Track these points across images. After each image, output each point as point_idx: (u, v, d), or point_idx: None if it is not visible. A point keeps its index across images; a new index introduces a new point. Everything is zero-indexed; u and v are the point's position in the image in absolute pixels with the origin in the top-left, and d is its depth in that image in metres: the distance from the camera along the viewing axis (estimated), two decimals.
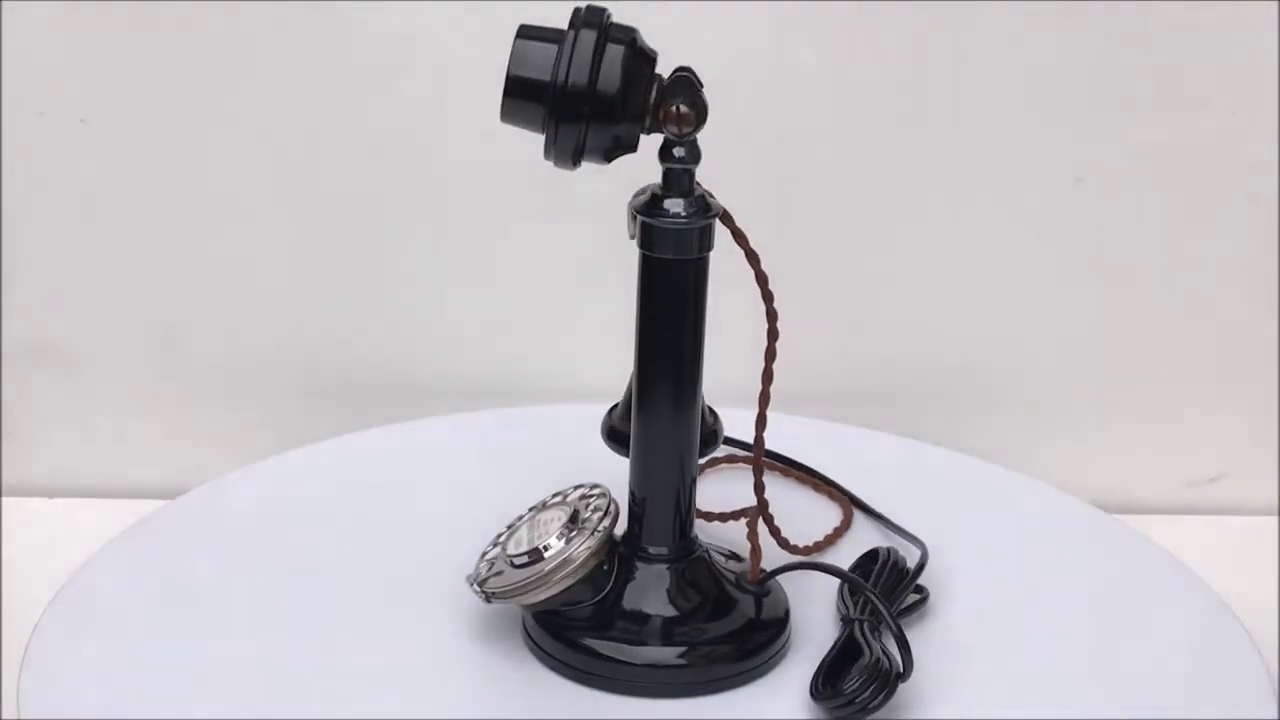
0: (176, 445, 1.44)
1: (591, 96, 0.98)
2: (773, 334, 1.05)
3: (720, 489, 1.16)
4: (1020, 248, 1.42)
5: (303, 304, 1.42)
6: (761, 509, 1.10)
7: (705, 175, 1.02)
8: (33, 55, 1.35)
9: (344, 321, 1.43)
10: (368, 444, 1.30)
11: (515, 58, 0.99)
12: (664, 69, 1.01)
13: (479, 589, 1.06)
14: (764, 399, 1.06)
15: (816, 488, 1.26)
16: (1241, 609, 1.15)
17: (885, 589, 1.10)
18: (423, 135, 1.38)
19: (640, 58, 0.99)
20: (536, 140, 1.00)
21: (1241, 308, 1.42)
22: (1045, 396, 1.45)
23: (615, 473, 1.09)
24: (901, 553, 1.15)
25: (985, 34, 1.36)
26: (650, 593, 1.07)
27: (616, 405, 1.10)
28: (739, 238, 1.02)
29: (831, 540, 1.20)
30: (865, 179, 1.40)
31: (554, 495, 1.11)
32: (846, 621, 1.08)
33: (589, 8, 1.00)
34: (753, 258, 1.03)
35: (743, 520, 1.12)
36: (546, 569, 1.05)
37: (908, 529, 1.19)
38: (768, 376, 1.05)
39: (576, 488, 1.10)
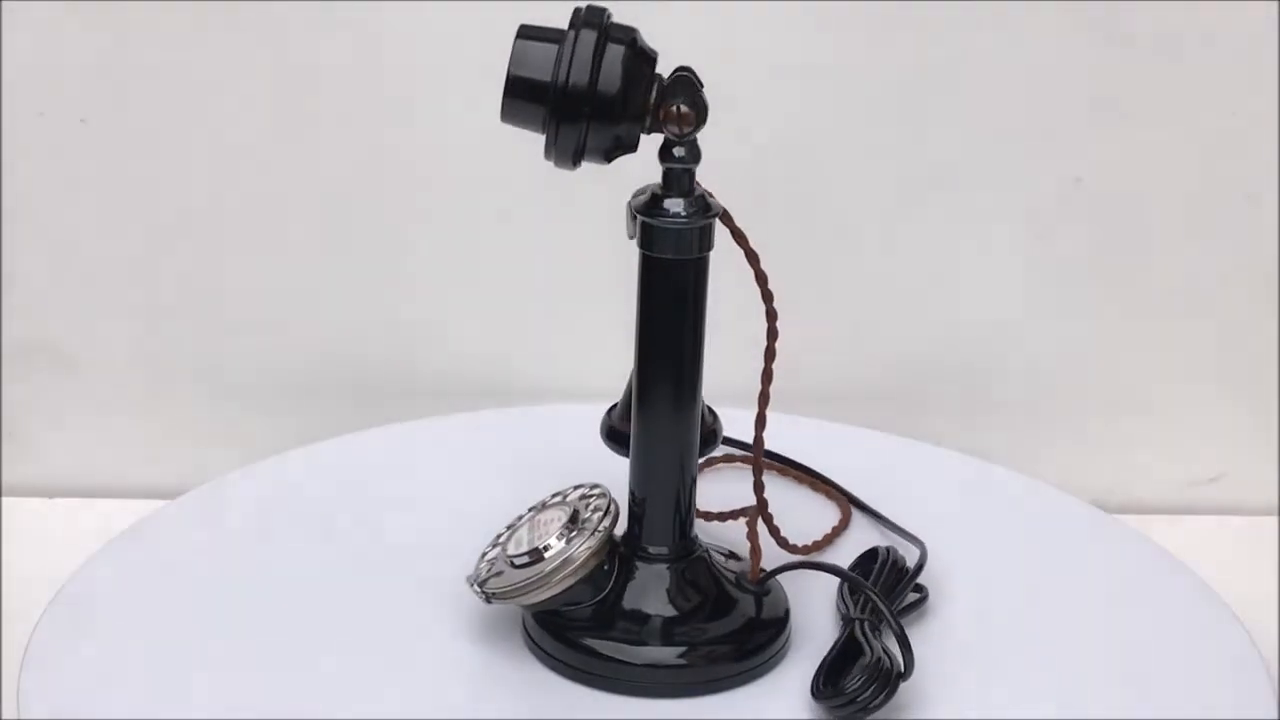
0: (176, 445, 1.44)
1: (592, 97, 0.98)
2: (772, 334, 1.05)
3: (719, 489, 1.16)
4: (1020, 248, 1.42)
5: (303, 304, 1.42)
6: (761, 508, 1.10)
7: (705, 175, 1.02)
8: (33, 55, 1.35)
9: (344, 321, 1.43)
10: (368, 444, 1.30)
11: (515, 58, 0.99)
12: (664, 69, 1.01)
13: (479, 589, 1.06)
14: (763, 399, 1.06)
15: (815, 487, 1.26)
16: (1241, 609, 1.15)
17: (885, 588, 1.10)
18: (423, 135, 1.38)
19: (640, 58, 0.99)
20: (537, 140, 1.00)
21: (1241, 308, 1.42)
22: (1045, 396, 1.45)
23: (615, 473, 1.09)
24: (901, 552, 1.15)
25: (985, 34, 1.36)
26: (650, 592, 1.07)
27: (616, 405, 1.10)
28: (738, 237, 1.02)
29: (830, 540, 1.20)
30: (865, 179, 1.40)
31: (554, 495, 1.11)
32: (847, 621, 1.08)
33: (589, 8, 1.00)
34: (752, 257, 1.03)
35: (741, 520, 1.12)
36: (547, 569, 1.05)
37: (907, 529, 1.19)
38: (767, 376, 1.05)
39: (576, 488, 1.10)
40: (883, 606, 1.06)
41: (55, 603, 1.11)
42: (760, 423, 1.06)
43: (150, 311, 1.42)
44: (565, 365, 1.43)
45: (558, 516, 1.07)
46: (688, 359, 1.04)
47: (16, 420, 1.43)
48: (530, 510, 1.10)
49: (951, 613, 1.13)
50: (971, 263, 1.42)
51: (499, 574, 1.06)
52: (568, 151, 0.99)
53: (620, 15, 1.00)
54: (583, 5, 1.00)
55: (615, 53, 0.98)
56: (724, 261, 1.03)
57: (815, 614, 1.11)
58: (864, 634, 1.05)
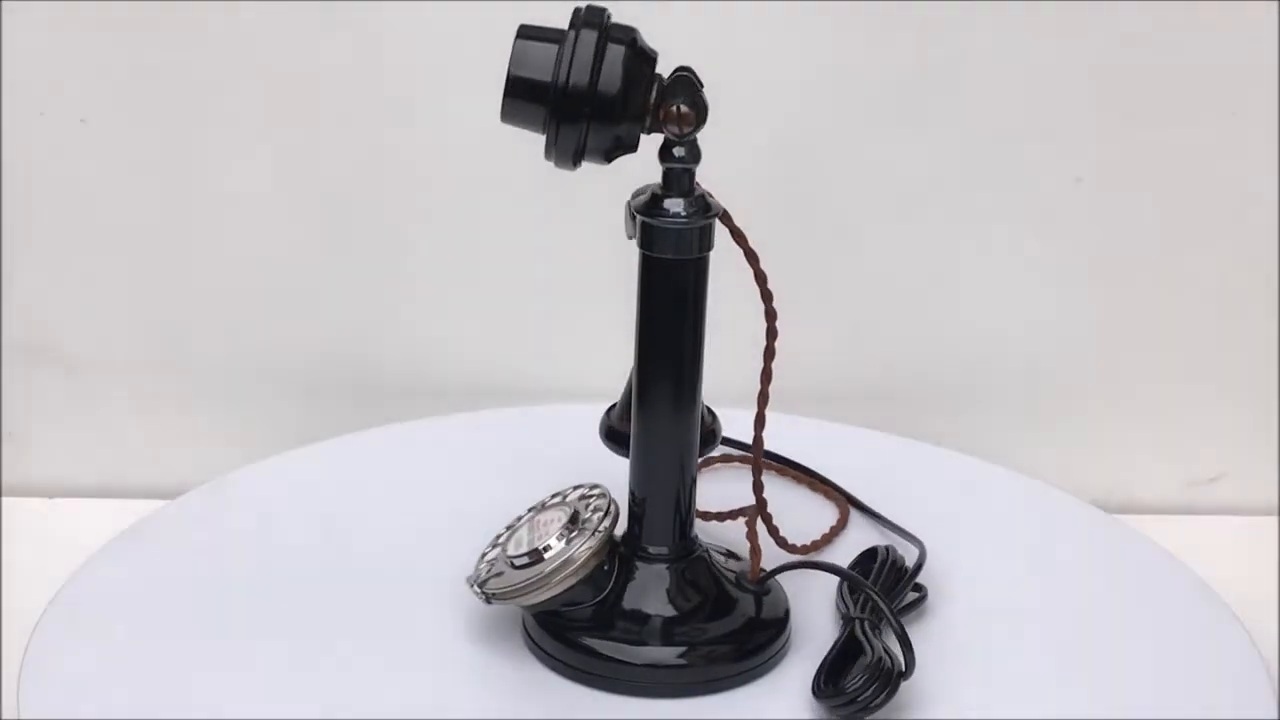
0: (176, 445, 1.44)
1: (592, 97, 0.98)
2: (771, 333, 1.05)
3: (716, 488, 1.16)
4: (1020, 248, 1.42)
5: (303, 304, 1.42)
6: (760, 508, 1.10)
7: (705, 175, 1.02)
8: (33, 55, 1.35)
9: (344, 321, 1.43)
10: (368, 444, 1.30)
11: (516, 58, 0.99)
12: (664, 69, 1.01)
13: (479, 590, 1.06)
14: (763, 398, 1.06)
15: (813, 487, 1.26)
16: (1241, 609, 1.15)
17: (884, 588, 1.10)
18: (422, 135, 1.38)
19: (641, 58, 0.99)
20: (537, 140, 1.00)
21: (1241, 308, 1.42)
22: (1045, 396, 1.45)
23: (615, 473, 1.09)
24: (900, 552, 1.15)
25: (985, 34, 1.36)
26: (650, 593, 1.07)
27: (615, 405, 1.10)
28: (738, 237, 1.02)
29: (829, 539, 1.20)
30: (865, 179, 1.40)
31: (553, 496, 1.11)
32: (847, 620, 1.08)
33: (589, 8, 1.00)
34: (752, 257, 1.03)
35: (740, 520, 1.12)
36: (547, 570, 1.05)
37: (907, 528, 1.19)
38: (766, 376, 1.05)
39: (576, 488, 1.10)
40: (883, 606, 1.06)
41: (55, 603, 1.11)
42: (759, 422, 1.06)
43: (150, 311, 1.42)
44: (565, 365, 1.43)
45: (558, 517, 1.07)
46: (688, 359, 1.04)
47: (16, 420, 1.43)
48: (530, 511, 1.10)
49: (951, 612, 1.13)
50: (971, 263, 1.42)
51: (499, 574, 1.06)
52: (568, 152, 0.99)
53: (620, 15, 1.00)
54: (583, 5, 1.00)
55: (615, 53, 0.98)
56: (724, 261, 1.03)
57: (814, 614, 1.11)
58: (864, 633, 1.05)
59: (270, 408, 1.43)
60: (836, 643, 1.07)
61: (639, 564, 1.07)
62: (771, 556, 1.11)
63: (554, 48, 0.98)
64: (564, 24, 0.99)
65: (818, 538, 1.20)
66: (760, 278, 1.03)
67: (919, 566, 1.14)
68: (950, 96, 1.38)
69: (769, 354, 1.05)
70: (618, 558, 1.07)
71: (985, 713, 1.05)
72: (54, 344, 1.42)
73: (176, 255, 1.41)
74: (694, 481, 1.07)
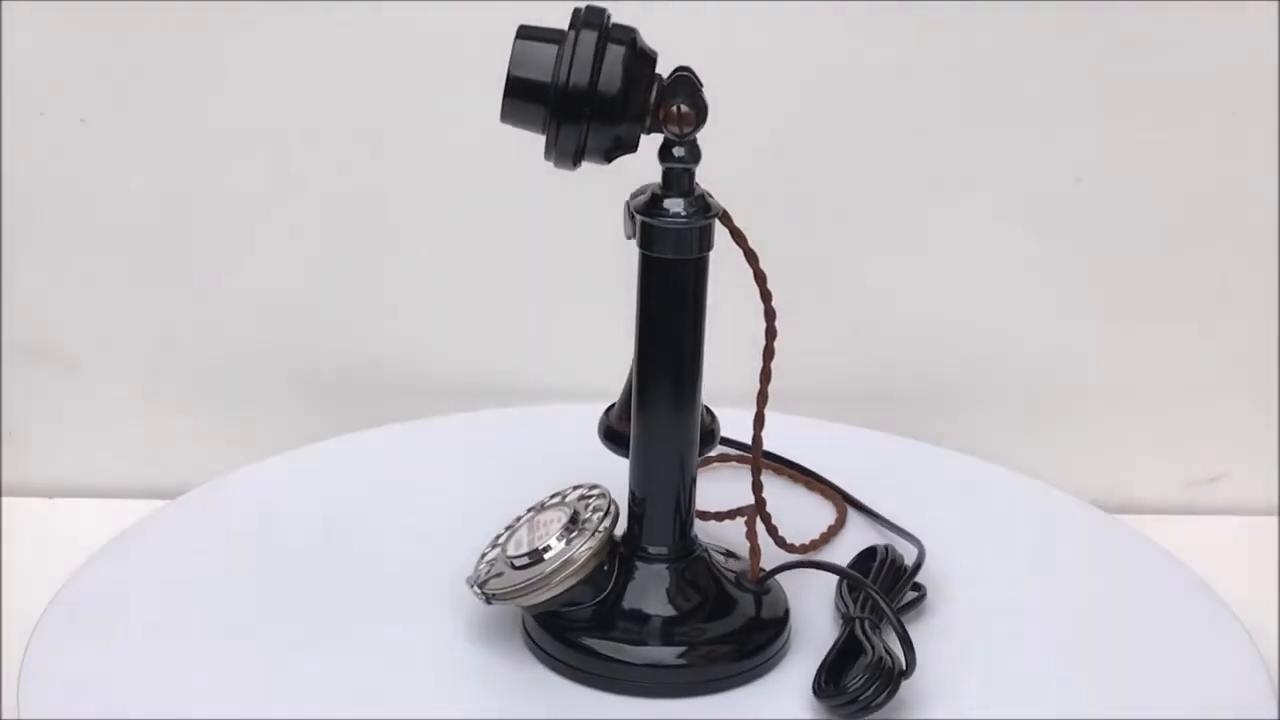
0: (176, 445, 1.44)
1: (593, 97, 0.98)
2: (771, 333, 1.05)
3: (713, 488, 1.16)
4: (1020, 248, 1.42)
5: (303, 304, 1.42)
6: (759, 508, 1.10)
7: (705, 175, 1.02)
8: (33, 55, 1.35)
9: (344, 321, 1.43)
10: (368, 444, 1.30)
11: (515, 58, 0.99)
12: (664, 69, 1.01)
13: (479, 591, 1.06)
14: (762, 398, 1.06)
15: (809, 486, 1.26)
16: (1241, 609, 1.15)
17: (884, 587, 1.10)
18: (422, 135, 1.38)
19: (641, 58, 0.99)
20: (536, 140, 1.00)
21: (1241, 308, 1.42)
22: (1045, 396, 1.45)
23: (615, 473, 1.09)
24: (899, 551, 1.15)
25: (985, 34, 1.36)
26: (650, 593, 1.07)
27: (613, 405, 1.10)
28: (737, 237, 1.02)
29: (827, 539, 1.20)
30: (865, 179, 1.40)
31: (552, 496, 1.11)
32: (847, 620, 1.08)
33: (589, 8, 1.00)
34: (751, 257, 1.03)
35: (738, 519, 1.12)
36: (547, 570, 1.05)
37: (907, 528, 1.19)
38: (766, 376, 1.05)
39: (575, 488, 1.10)
40: (884, 605, 1.06)
41: (55, 603, 1.11)
42: (759, 422, 1.06)
43: (150, 311, 1.42)
44: (565, 365, 1.43)
45: (557, 517, 1.07)
46: (688, 359, 1.04)
47: (16, 420, 1.43)
48: (529, 511, 1.10)
49: (950, 612, 1.13)
50: (971, 262, 1.42)
51: (499, 575, 1.06)
52: (568, 152, 0.99)
53: (620, 15, 1.00)
54: (582, 5, 1.00)
55: (616, 53, 0.98)
56: (724, 261, 1.03)
57: (813, 613, 1.11)
58: (865, 632, 1.05)
59: (270, 408, 1.43)
60: (837, 642, 1.07)
61: (639, 564, 1.07)
62: (770, 556, 1.11)
63: (554, 48, 0.98)
64: (564, 24, 0.99)
65: (816, 537, 1.20)
66: (760, 278, 1.03)
67: (918, 566, 1.14)
68: (950, 96, 1.38)
69: (768, 354, 1.05)
70: (618, 558, 1.07)
71: (985, 712, 1.05)
72: (54, 344, 1.42)
73: (176, 255, 1.41)
74: (694, 481, 1.07)
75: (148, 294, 1.42)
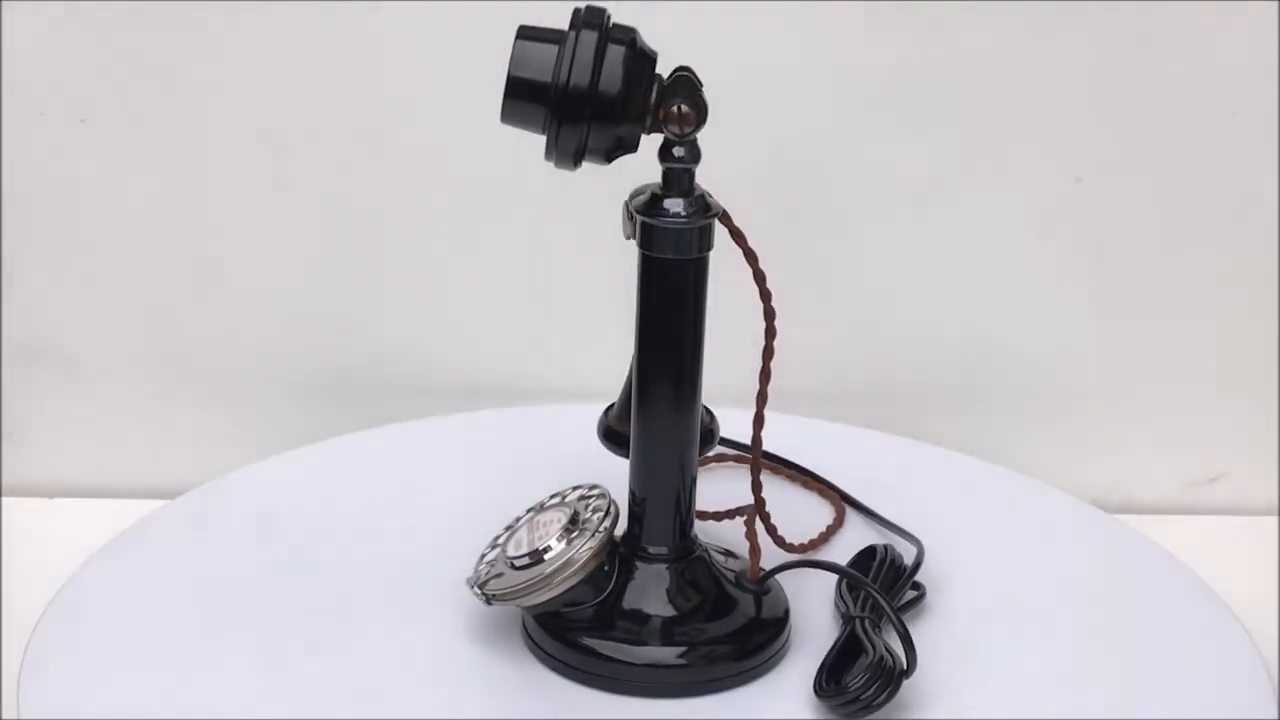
0: (176, 445, 1.44)
1: (593, 97, 0.98)
2: (770, 333, 1.05)
3: (712, 488, 1.16)
4: (1020, 248, 1.42)
5: (303, 304, 1.42)
6: (759, 507, 1.10)
7: (705, 175, 1.02)
8: (33, 55, 1.35)
9: (344, 321, 1.43)
10: (368, 444, 1.30)
11: (516, 59, 0.99)
12: (664, 69, 1.01)
13: (480, 591, 1.06)
14: (761, 398, 1.06)
15: (807, 485, 1.26)
16: (1241, 609, 1.15)
17: (883, 586, 1.10)
18: (422, 135, 1.38)
19: (641, 58, 0.99)
20: (536, 140, 1.00)
21: (1241, 307, 1.42)
22: (1045, 396, 1.45)
23: (615, 473, 1.09)
24: (898, 550, 1.15)
25: (985, 34, 1.36)
26: (650, 593, 1.07)
27: (612, 405, 1.10)
28: (737, 237, 1.02)
29: (826, 538, 1.20)
30: (865, 179, 1.40)
31: (552, 496, 1.11)
32: (847, 619, 1.08)
33: (589, 8, 1.00)
34: (751, 257, 1.03)
35: (737, 519, 1.12)
36: (548, 571, 1.05)
37: (907, 528, 1.19)
38: (765, 376, 1.05)
39: (575, 488, 1.10)
40: (885, 604, 1.06)
41: (55, 603, 1.11)
42: (758, 422, 1.06)
43: (150, 311, 1.42)
44: (565, 365, 1.43)
45: (557, 518, 1.07)
46: (688, 359, 1.04)
47: (16, 420, 1.43)
48: (529, 511, 1.10)
49: (950, 611, 1.13)
50: (971, 262, 1.42)
51: (499, 575, 1.06)
52: (569, 152, 0.99)
53: (620, 15, 1.00)
54: (582, 6, 1.00)
55: (616, 53, 0.98)
56: (724, 261, 1.03)
57: (812, 613, 1.11)
58: (865, 632, 1.05)
59: (270, 408, 1.43)
60: (837, 641, 1.07)
61: (639, 564, 1.07)
62: (769, 556, 1.11)
63: (554, 48, 0.98)
64: (564, 24, 0.99)
65: (815, 537, 1.20)
66: (759, 277, 1.03)
67: (917, 565, 1.14)
68: (950, 96, 1.38)
69: (767, 353, 1.05)
70: (618, 558, 1.07)
71: (985, 712, 1.05)
72: (54, 344, 1.42)
73: (176, 255, 1.41)
74: (694, 481, 1.07)
75: (148, 294, 1.42)
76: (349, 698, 1.05)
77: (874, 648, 1.04)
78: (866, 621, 1.06)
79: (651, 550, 1.07)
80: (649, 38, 1.00)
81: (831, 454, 1.28)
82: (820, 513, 1.24)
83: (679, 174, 1.01)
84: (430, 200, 1.40)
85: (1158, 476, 1.46)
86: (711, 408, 1.09)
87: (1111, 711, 1.06)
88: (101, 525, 1.21)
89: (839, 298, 1.43)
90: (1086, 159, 1.39)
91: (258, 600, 1.12)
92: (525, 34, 0.99)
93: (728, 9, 1.34)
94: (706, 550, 1.09)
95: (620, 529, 1.08)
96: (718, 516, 1.15)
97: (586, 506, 1.08)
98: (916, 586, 1.13)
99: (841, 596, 1.11)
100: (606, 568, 1.06)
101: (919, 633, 1.06)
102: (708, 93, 1.00)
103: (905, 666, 1.03)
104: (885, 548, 1.14)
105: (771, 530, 1.13)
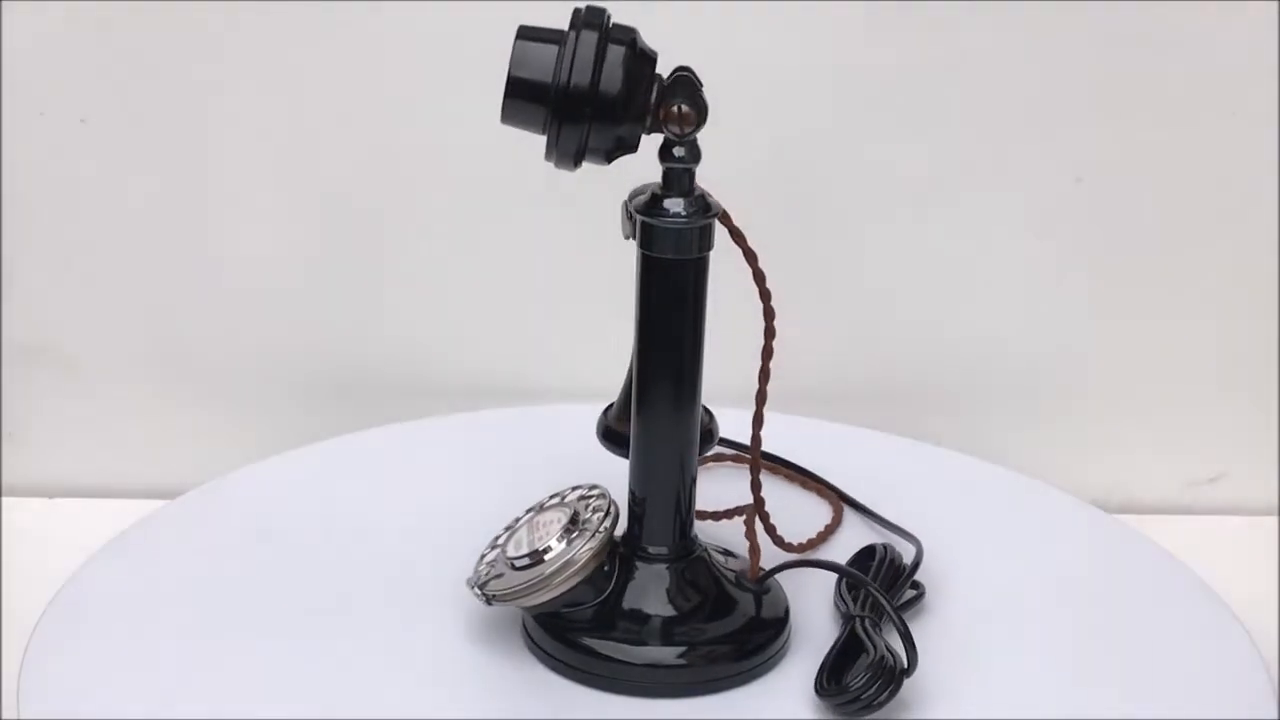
0: (176, 445, 1.44)
1: (594, 98, 0.98)
2: (769, 333, 1.05)
3: (709, 488, 1.16)
4: (1020, 248, 1.42)
5: (303, 304, 1.42)
6: (758, 507, 1.10)
7: (705, 175, 1.02)
8: (33, 55, 1.35)
9: (344, 321, 1.43)
10: (368, 444, 1.30)
11: (516, 59, 0.99)
12: (664, 69, 1.01)
13: (480, 592, 1.06)
14: (761, 398, 1.06)
15: (805, 485, 1.26)
16: (1241, 609, 1.15)
17: (883, 585, 1.10)
18: (422, 135, 1.38)
19: (641, 58, 0.99)
20: (536, 140, 1.00)
21: (1241, 307, 1.42)
22: (1045, 396, 1.45)
23: (614, 473, 1.09)
24: (897, 549, 1.15)
25: (985, 34, 1.36)
26: (650, 593, 1.07)
27: (611, 405, 1.10)
28: (737, 237, 1.02)
29: (824, 537, 1.20)
30: (865, 179, 1.40)
31: (551, 497, 1.11)
32: (847, 618, 1.08)
33: (589, 8, 1.00)
34: (750, 257, 1.03)
35: (735, 519, 1.12)
36: (548, 571, 1.05)
37: (907, 528, 1.19)
38: (765, 375, 1.05)
39: (574, 489, 1.10)
40: (885, 603, 1.06)
41: (55, 603, 1.11)
42: (758, 422, 1.06)
43: (150, 311, 1.42)
44: (565, 365, 1.43)
45: (557, 518, 1.07)
46: (688, 359, 1.04)
47: (16, 420, 1.43)
48: (528, 512, 1.10)
49: (950, 611, 1.13)
50: (971, 262, 1.42)
51: (499, 576, 1.06)
52: (569, 152, 0.99)
53: (620, 15, 1.00)
54: (583, 6, 1.00)
55: (616, 54, 0.98)
56: (724, 261, 1.03)
57: (811, 612, 1.11)
58: (865, 631, 1.05)
59: (270, 408, 1.43)
60: (838, 641, 1.07)
61: (639, 564, 1.07)
62: (768, 556, 1.11)
63: (554, 48, 0.98)
64: (564, 24, 0.99)
65: (813, 536, 1.20)
66: (759, 277, 1.03)
67: (916, 564, 1.14)
68: (950, 96, 1.38)
69: (767, 353, 1.05)
70: (618, 558, 1.07)
71: (985, 711, 1.05)
72: (54, 344, 1.42)
73: (176, 255, 1.41)
74: (694, 481, 1.07)
75: (148, 294, 1.42)
76: (349, 698, 1.05)
77: (875, 647, 1.04)
78: (867, 621, 1.06)
79: (651, 550, 1.07)
80: (649, 38, 1.00)
81: (831, 454, 1.28)
82: (819, 512, 1.24)
83: (679, 174, 1.01)
84: (430, 200, 1.40)
85: (1158, 476, 1.46)
86: (711, 408, 1.09)
87: (1111, 711, 1.06)
88: (101, 525, 1.21)
89: (839, 298, 1.43)
90: (1086, 159, 1.39)
91: (258, 600, 1.12)
92: (525, 34, 0.99)
93: (728, 9, 1.34)
94: (706, 550, 1.09)
95: (620, 529, 1.08)
96: (716, 516, 1.15)
97: (586, 507, 1.08)
98: (916, 586, 1.13)
99: (841, 596, 1.11)
100: (606, 568, 1.06)
101: (919, 632, 1.06)
102: (708, 93, 1.00)
103: (906, 665, 1.03)
104: (884, 547, 1.14)
105: (770, 530, 1.13)
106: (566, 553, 1.05)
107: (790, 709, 1.05)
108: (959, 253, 1.42)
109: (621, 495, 1.08)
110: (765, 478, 1.11)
